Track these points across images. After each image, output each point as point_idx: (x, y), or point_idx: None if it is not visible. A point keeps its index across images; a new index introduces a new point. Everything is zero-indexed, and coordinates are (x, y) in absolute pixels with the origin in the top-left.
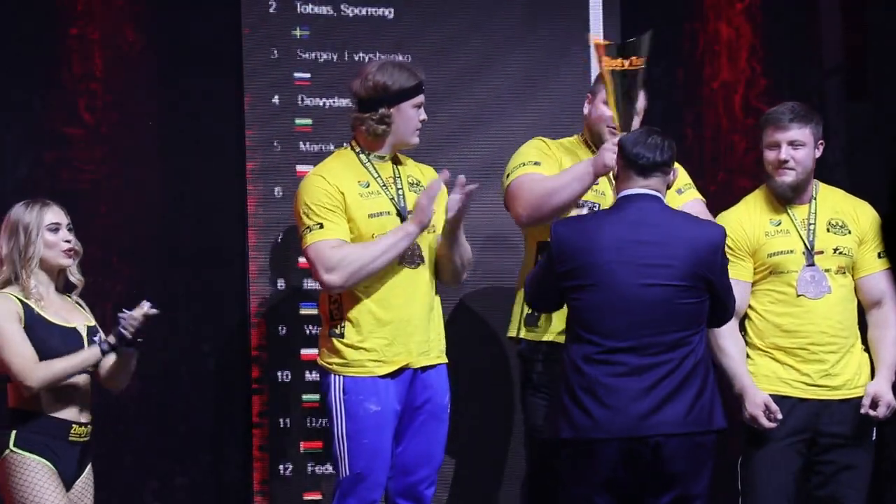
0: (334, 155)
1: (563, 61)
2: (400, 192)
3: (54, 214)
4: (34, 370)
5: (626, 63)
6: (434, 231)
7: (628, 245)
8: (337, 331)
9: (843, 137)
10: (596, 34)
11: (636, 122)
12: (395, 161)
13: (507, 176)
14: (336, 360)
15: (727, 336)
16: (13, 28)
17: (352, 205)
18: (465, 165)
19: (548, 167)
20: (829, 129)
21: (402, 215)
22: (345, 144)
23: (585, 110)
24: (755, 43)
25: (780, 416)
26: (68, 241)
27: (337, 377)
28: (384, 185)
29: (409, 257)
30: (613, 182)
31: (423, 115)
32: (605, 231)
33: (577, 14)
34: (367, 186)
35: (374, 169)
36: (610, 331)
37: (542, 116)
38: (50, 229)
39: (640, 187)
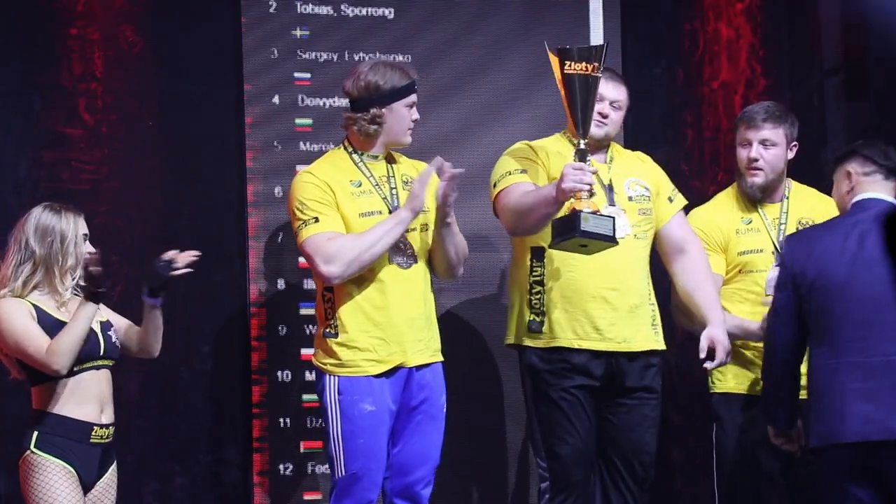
0: (326, 155)
1: None
2: (394, 191)
3: (83, 225)
4: (50, 353)
5: (587, 68)
6: (428, 229)
7: (857, 245)
8: (330, 331)
9: (843, 137)
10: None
11: (616, 118)
12: (389, 160)
13: (494, 185)
14: (330, 360)
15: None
16: (13, 28)
17: (343, 203)
18: (464, 166)
19: (534, 173)
20: (829, 129)
21: None
22: (338, 145)
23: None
24: (755, 43)
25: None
26: (91, 252)
27: (332, 377)
28: (377, 185)
29: (401, 256)
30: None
31: (416, 115)
32: (839, 235)
33: (577, 14)
34: (360, 185)
35: (367, 168)
36: (839, 334)
37: (542, 116)
38: (85, 240)
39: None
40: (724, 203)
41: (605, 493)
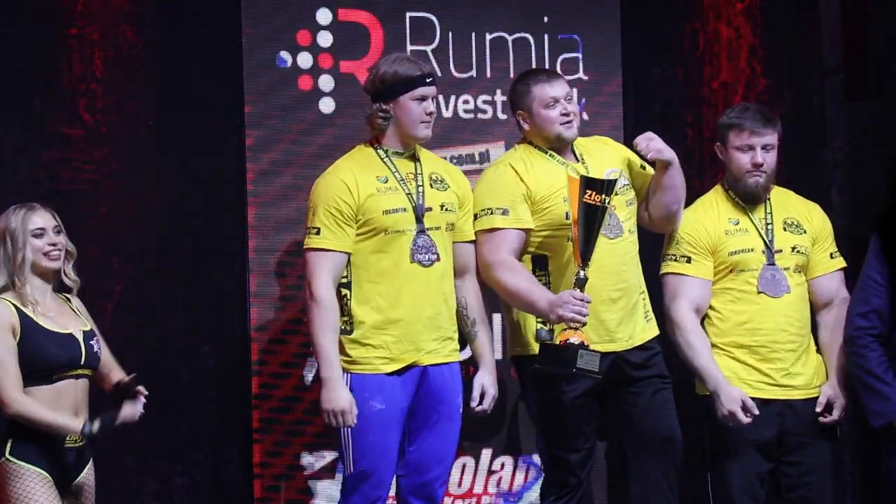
0: (353, 152)
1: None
2: (420, 188)
3: (39, 218)
4: (15, 400)
5: (603, 199)
6: (453, 227)
7: None
8: (345, 327)
9: (843, 137)
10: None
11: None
12: (417, 157)
13: (476, 217)
14: (343, 357)
15: (695, 333)
16: (13, 28)
17: (368, 202)
18: (466, 163)
19: (517, 214)
20: (829, 129)
21: (417, 212)
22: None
23: (526, 126)
24: (755, 43)
25: (756, 412)
26: (52, 245)
27: (344, 374)
28: (402, 181)
29: (422, 255)
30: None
31: (431, 108)
32: None
33: (578, 14)
34: (386, 182)
35: (393, 164)
36: None
37: None
38: (35, 235)
39: None
40: (711, 206)
41: (640, 483)
